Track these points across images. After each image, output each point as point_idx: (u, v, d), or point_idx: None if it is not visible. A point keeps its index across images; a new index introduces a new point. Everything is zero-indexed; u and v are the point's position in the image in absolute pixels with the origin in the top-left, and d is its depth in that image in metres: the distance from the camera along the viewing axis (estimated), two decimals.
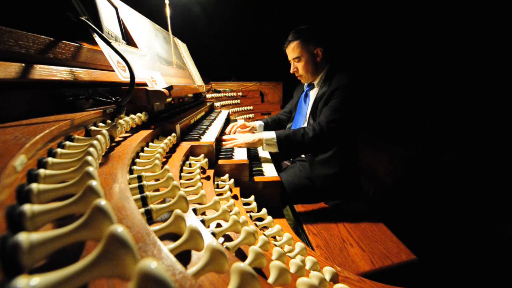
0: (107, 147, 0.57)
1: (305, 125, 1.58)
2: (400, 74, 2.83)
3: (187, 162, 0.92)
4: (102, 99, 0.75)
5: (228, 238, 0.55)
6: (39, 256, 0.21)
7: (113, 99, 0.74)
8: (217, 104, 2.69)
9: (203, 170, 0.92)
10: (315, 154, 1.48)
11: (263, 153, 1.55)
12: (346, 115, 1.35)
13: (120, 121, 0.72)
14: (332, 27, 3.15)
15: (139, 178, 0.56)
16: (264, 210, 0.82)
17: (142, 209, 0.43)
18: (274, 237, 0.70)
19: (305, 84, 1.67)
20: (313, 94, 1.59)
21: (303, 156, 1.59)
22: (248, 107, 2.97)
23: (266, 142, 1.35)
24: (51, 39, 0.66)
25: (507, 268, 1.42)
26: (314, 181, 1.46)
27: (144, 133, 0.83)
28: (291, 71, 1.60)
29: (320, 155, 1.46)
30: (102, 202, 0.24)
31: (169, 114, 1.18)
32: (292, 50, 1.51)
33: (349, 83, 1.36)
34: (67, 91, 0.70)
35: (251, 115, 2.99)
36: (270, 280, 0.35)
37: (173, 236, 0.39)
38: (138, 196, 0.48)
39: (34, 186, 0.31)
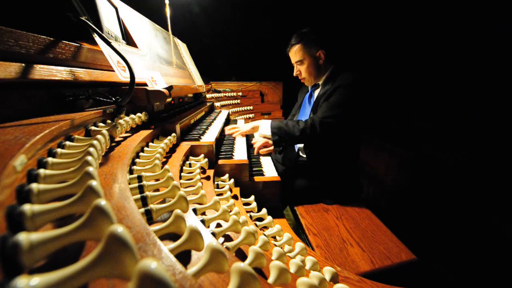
0: (107, 147, 0.57)
1: None
2: (400, 74, 2.83)
3: (187, 162, 0.92)
4: (102, 99, 0.75)
5: (228, 238, 0.55)
6: (39, 256, 0.21)
7: (113, 99, 0.74)
8: (217, 104, 2.69)
9: (203, 170, 0.92)
10: (315, 154, 1.48)
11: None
12: (343, 112, 1.36)
13: (120, 121, 0.72)
14: (334, 28, 3.15)
15: (139, 178, 0.56)
16: (264, 210, 0.82)
17: (142, 209, 0.43)
18: (274, 237, 0.70)
19: (310, 86, 1.67)
20: (317, 93, 1.60)
21: (304, 156, 1.59)
22: (248, 107, 2.97)
23: (261, 128, 1.47)
24: (51, 39, 0.66)
25: (507, 267, 1.42)
26: (315, 181, 1.46)
27: (144, 133, 0.83)
28: (294, 74, 1.61)
29: (320, 154, 1.46)
30: (102, 202, 0.24)
31: (169, 114, 1.18)
32: (294, 54, 1.52)
33: (352, 81, 1.37)
34: (67, 91, 0.70)
35: (251, 115, 2.98)
36: (270, 280, 0.35)
37: (173, 236, 0.39)
38: (138, 196, 0.48)
39: (34, 186, 0.31)
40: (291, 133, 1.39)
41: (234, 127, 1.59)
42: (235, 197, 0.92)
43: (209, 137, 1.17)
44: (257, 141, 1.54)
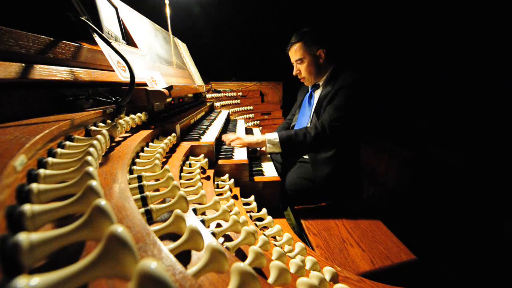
0: (107, 147, 0.57)
1: (309, 125, 1.57)
2: (400, 73, 2.83)
3: (187, 162, 0.92)
4: (102, 99, 0.75)
5: (228, 238, 0.55)
6: (39, 256, 0.21)
7: (113, 99, 0.74)
8: (217, 104, 2.69)
9: (203, 170, 0.92)
10: (316, 154, 1.48)
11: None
12: (349, 113, 1.35)
13: (120, 121, 0.72)
14: (335, 27, 3.15)
15: (139, 178, 0.56)
16: (264, 210, 0.82)
17: (142, 209, 0.43)
18: (274, 237, 0.70)
19: (310, 85, 1.67)
20: (318, 94, 1.59)
21: (305, 157, 1.59)
22: (248, 107, 2.97)
23: (269, 142, 1.38)
24: (51, 39, 0.66)
25: (508, 267, 1.42)
26: (315, 181, 1.46)
27: (144, 133, 0.83)
28: (294, 73, 1.60)
29: (322, 155, 1.46)
30: (102, 202, 0.24)
31: (169, 114, 1.18)
32: (294, 52, 1.52)
33: (354, 82, 1.37)
34: (67, 91, 0.70)
35: (251, 115, 2.98)
36: (270, 280, 0.35)
37: (173, 236, 0.39)
38: (138, 196, 0.48)
39: (34, 186, 0.31)
40: (303, 142, 1.34)
41: (236, 138, 1.37)
42: (235, 197, 0.92)
43: (209, 137, 1.17)
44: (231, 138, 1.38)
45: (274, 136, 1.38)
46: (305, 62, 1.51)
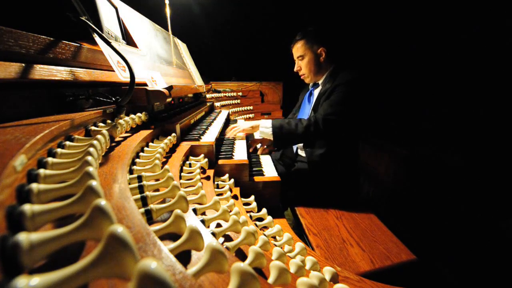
0: (107, 147, 0.57)
1: None
2: (400, 73, 2.83)
3: (187, 162, 0.92)
4: (102, 99, 0.75)
5: (228, 238, 0.55)
6: (39, 256, 0.21)
7: (113, 99, 0.74)
8: (217, 104, 2.69)
9: (203, 170, 0.92)
10: (313, 150, 1.49)
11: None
12: (344, 109, 1.37)
13: (120, 121, 0.72)
14: (335, 27, 3.15)
15: (139, 178, 0.56)
16: (264, 210, 0.82)
17: (142, 209, 0.43)
18: (274, 237, 0.70)
19: (310, 85, 1.69)
20: (317, 92, 1.61)
21: (303, 155, 1.60)
22: (248, 107, 2.97)
23: (262, 127, 1.43)
24: (51, 39, 0.66)
25: (507, 267, 1.42)
26: (314, 180, 1.46)
27: (144, 133, 0.83)
28: (295, 69, 1.65)
29: (318, 151, 1.46)
30: (102, 202, 0.24)
31: (169, 114, 1.18)
32: (297, 49, 1.57)
33: (352, 79, 1.39)
34: (67, 91, 0.70)
35: (251, 115, 2.98)
36: (270, 280, 0.35)
37: (173, 236, 0.39)
38: (138, 196, 0.48)
39: (34, 186, 0.31)
40: (293, 131, 1.37)
41: (234, 127, 1.55)
42: (235, 197, 0.92)
43: (209, 137, 1.17)
44: (239, 126, 1.52)
45: (267, 122, 1.43)
46: (306, 58, 1.55)
